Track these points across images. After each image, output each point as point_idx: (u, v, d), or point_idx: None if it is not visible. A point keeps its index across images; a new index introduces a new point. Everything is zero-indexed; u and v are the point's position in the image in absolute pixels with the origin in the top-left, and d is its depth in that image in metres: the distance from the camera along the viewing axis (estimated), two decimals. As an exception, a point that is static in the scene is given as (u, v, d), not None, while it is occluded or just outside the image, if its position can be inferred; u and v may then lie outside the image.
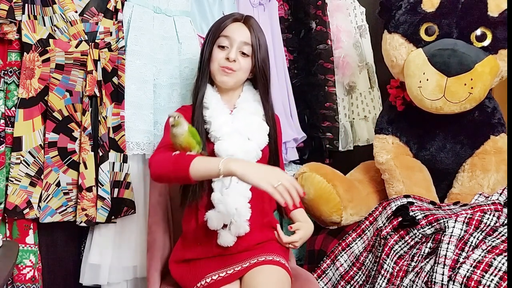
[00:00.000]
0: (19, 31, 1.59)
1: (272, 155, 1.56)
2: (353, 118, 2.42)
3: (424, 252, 1.56)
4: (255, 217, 1.46)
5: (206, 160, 1.32)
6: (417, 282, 1.50)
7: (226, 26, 1.51)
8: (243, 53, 1.51)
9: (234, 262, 1.41)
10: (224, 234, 1.43)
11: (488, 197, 1.74)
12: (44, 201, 1.62)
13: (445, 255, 1.47)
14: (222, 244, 1.43)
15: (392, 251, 1.61)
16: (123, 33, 1.73)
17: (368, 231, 1.76)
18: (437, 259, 1.48)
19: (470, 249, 1.49)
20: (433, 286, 1.46)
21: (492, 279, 1.38)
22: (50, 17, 1.63)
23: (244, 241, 1.45)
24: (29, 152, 1.61)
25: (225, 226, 1.44)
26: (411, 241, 1.62)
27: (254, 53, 1.51)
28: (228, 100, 1.56)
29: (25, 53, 1.59)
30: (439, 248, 1.49)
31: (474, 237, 1.51)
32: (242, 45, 1.51)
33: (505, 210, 1.61)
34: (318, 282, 1.76)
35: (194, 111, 1.51)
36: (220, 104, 1.52)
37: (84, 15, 1.67)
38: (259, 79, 1.54)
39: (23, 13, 1.59)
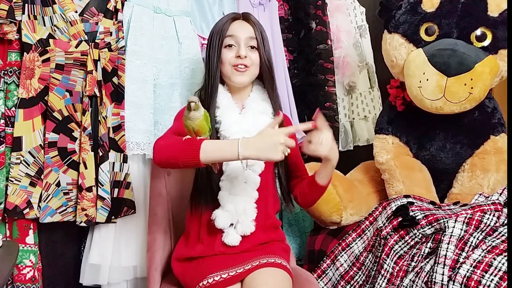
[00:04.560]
0: (19, 31, 1.59)
1: None
2: (353, 118, 2.42)
3: (424, 252, 1.56)
4: (259, 218, 1.47)
5: (218, 142, 1.32)
6: (417, 282, 1.50)
7: (228, 26, 1.52)
8: (251, 47, 1.52)
9: (236, 263, 1.41)
10: (230, 233, 1.44)
11: (488, 197, 1.74)
12: (44, 201, 1.62)
13: (445, 255, 1.47)
14: (227, 243, 1.43)
15: (392, 251, 1.61)
16: (123, 33, 1.73)
17: (368, 231, 1.76)
18: (437, 259, 1.48)
19: (470, 249, 1.48)
20: (433, 286, 1.46)
21: (492, 279, 1.38)
22: (50, 17, 1.63)
23: (248, 241, 1.45)
24: (29, 152, 1.61)
25: (231, 225, 1.45)
26: (411, 241, 1.62)
27: (259, 47, 1.53)
28: (239, 100, 1.56)
29: (25, 53, 1.59)
30: (439, 248, 1.49)
31: (474, 237, 1.50)
32: (248, 41, 1.52)
33: (505, 210, 1.61)
34: (318, 282, 1.76)
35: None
36: (231, 103, 1.53)
37: (84, 15, 1.67)
38: (265, 72, 1.55)
39: (23, 13, 1.59)
